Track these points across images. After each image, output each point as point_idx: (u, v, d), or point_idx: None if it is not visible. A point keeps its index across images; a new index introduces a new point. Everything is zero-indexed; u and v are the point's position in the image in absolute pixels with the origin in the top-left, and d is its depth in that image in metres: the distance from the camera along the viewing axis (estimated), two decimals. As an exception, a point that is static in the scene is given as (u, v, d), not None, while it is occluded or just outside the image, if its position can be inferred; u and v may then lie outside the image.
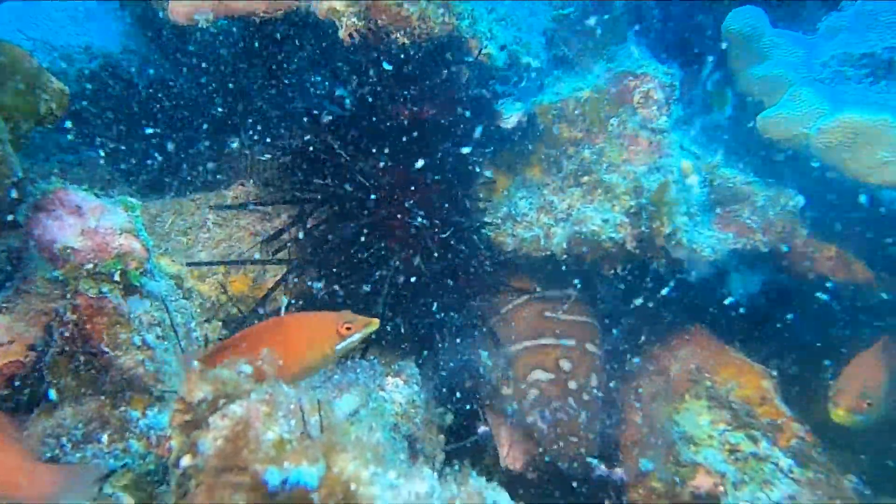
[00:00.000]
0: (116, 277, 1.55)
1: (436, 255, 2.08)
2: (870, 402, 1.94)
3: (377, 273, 2.04)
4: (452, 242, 2.12)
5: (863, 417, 1.95)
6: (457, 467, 1.96)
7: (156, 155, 2.42)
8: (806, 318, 2.44)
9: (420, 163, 2.07)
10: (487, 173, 2.44)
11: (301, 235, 2.16)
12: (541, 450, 2.26)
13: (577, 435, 2.19)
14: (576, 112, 2.49)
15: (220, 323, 2.09)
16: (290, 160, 2.16)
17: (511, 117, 2.35)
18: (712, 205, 2.32)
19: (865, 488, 2.00)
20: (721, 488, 1.98)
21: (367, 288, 2.04)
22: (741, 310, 2.37)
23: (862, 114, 1.94)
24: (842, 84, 2.16)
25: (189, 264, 2.04)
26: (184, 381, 1.07)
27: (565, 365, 2.30)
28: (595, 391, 2.29)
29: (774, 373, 2.24)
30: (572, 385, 2.27)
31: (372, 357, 2.28)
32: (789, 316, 2.42)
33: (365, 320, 1.51)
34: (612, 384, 2.42)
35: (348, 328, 1.49)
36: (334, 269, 2.10)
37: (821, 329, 2.45)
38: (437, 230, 2.08)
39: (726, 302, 2.35)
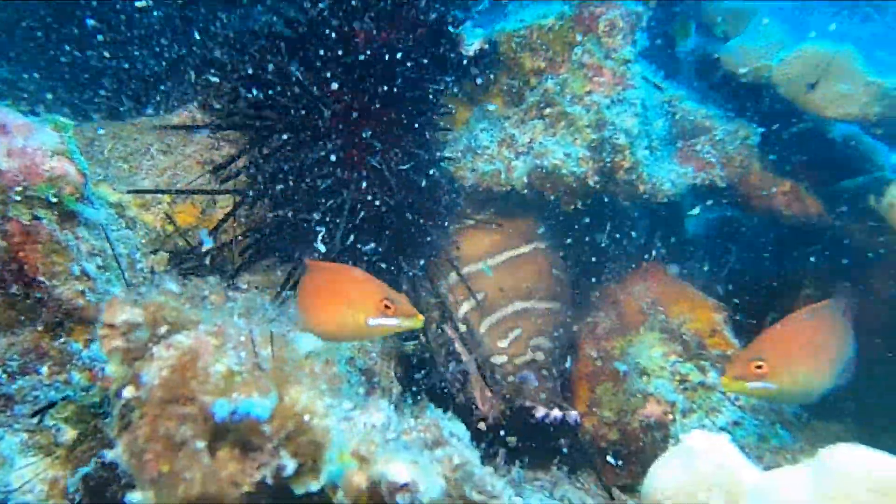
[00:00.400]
0: (51, 201, 1.44)
1: (393, 185, 2.02)
2: (760, 365, 1.64)
3: (331, 204, 1.96)
4: (411, 172, 2.06)
5: (760, 385, 1.64)
6: (410, 400, 1.96)
7: (95, 75, 2.25)
8: (758, 252, 2.49)
9: (376, 88, 1.98)
10: (448, 104, 2.35)
11: (252, 164, 2.05)
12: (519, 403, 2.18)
13: (555, 394, 2.19)
14: (539, 41, 2.41)
15: (167, 255, 2.00)
16: (241, 84, 2.04)
17: (473, 44, 2.25)
18: (673, 138, 2.31)
19: (803, 411, 2.09)
20: (670, 416, 2.05)
21: (320, 218, 1.97)
22: (697, 244, 2.40)
23: (824, 45, 1.93)
24: (807, 14, 2.14)
25: (131, 191, 1.93)
26: (106, 303, 1.00)
27: (560, 336, 2.28)
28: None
29: (726, 306, 2.29)
30: (556, 357, 2.25)
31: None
32: (742, 251, 2.46)
33: (408, 309, 1.38)
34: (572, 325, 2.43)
35: (388, 306, 1.38)
36: (287, 200, 2.01)
37: (772, 263, 2.52)
38: (394, 159, 2.00)
39: (683, 236, 2.37)
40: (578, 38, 2.31)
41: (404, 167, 2.07)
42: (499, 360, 2.24)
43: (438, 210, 2.26)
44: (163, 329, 1.03)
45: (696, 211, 2.36)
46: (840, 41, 1.95)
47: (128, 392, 1.00)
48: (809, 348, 1.72)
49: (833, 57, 1.93)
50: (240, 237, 2.16)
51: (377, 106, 2.05)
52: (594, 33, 2.33)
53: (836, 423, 2.57)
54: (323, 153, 1.96)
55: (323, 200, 2.01)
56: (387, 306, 1.37)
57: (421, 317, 1.40)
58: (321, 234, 1.90)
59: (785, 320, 1.80)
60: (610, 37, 2.26)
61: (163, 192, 2.04)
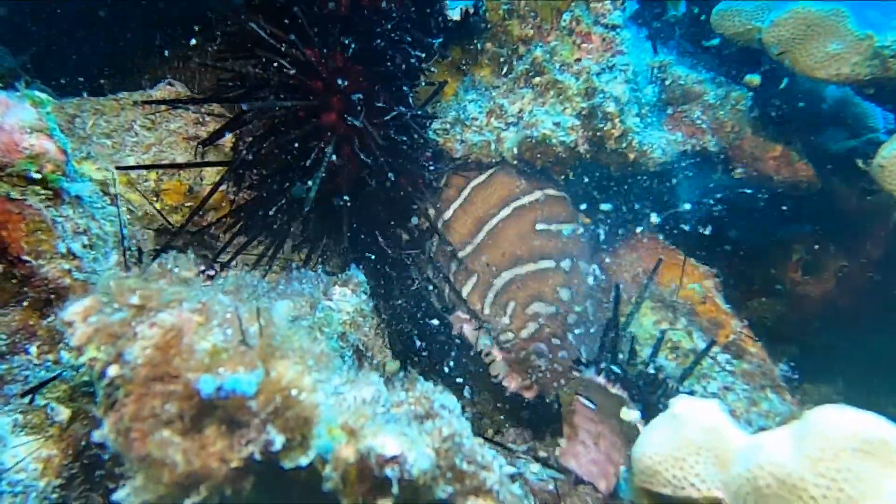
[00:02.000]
0: (33, 178, 1.42)
1: (376, 149, 1.98)
2: None
3: (311, 163, 1.92)
4: (394, 135, 2.02)
5: None
6: (402, 373, 1.96)
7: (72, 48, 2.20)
8: (750, 218, 2.49)
9: (357, 48, 1.92)
10: (432, 69, 2.30)
11: (238, 137, 2.02)
12: (531, 381, 2.13)
13: (568, 373, 2.08)
14: (527, 7, 2.36)
15: (153, 233, 1.99)
16: (221, 47, 1.98)
17: (457, 8, 2.21)
18: (664, 104, 2.28)
19: (794, 373, 2.11)
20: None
21: (305, 184, 1.92)
22: (688, 213, 2.39)
23: (815, 4, 1.89)
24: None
25: (118, 168, 1.90)
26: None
27: (564, 294, 2.12)
28: (592, 319, 2.14)
29: (717, 273, 2.29)
30: (571, 319, 2.11)
31: (318, 268, 2.23)
32: (733, 216, 2.45)
33: None
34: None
35: None
36: (273, 169, 1.98)
37: (764, 229, 2.51)
38: (378, 122, 1.96)
39: (674, 205, 2.36)
40: (567, 3, 2.27)
41: (387, 129, 2.03)
42: (505, 337, 2.17)
43: (422, 175, 2.23)
44: (135, 300, 1.02)
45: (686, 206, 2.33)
46: (831, 0, 1.92)
47: (112, 371, 1.00)
48: None
49: (824, 16, 1.89)
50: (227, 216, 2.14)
51: (358, 67, 2.01)
52: (583, -2, 2.29)
53: (826, 385, 2.61)
54: (303, 114, 1.92)
55: (304, 162, 1.98)
56: None
57: None
58: (308, 188, 1.84)
59: None
60: (599, 2, 2.22)
61: (150, 167, 2.01)
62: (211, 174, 2.16)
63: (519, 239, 2.19)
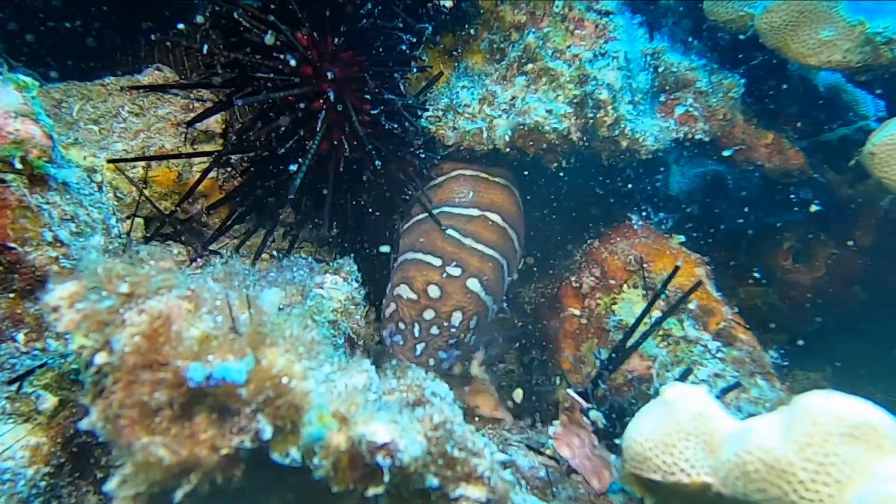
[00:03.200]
0: (17, 165, 1.40)
1: (364, 136, 1.97)
2: None
3: (296, 147, 1.90)
4: (383, 122, 2.00)
5: None
6: (395, 361, 1.96)
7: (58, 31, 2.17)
8: (741, 206, 2.49)
9: (346, 32, 1.90)
10: (424, 56, 2.28)
11: (228, 121, 2.00)
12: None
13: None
14: (520, -7, 2.34)
15: (142, 220, 1.97)
16: (207, 32, 1.96)
17: (449, -6, 2.18)
18: (656, 91, 2.27)
19: (784, 360, 2.12)
20: (653, 371, 2.07)
21: (292, 168, 1.91)
22: (680, 199, 2.39)
23: (808, -11, 1.89)
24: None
25: (111, 161, 1.87)
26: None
27: (433, 291, 2.12)
28: (453, 330, 2.12)
29: (708, 261, 2.29)
30: (427, 315, 2.11)
31: (308, 256, 2.22)
32: (724, 205, 2.45)
33: None
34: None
35: None
36: (262, 155, 1.96)
37: (755, 216, 2.52)
38: (366, 108, 1.95)
39: (666, 192, 2.36)
40: (560, -11, 2.25)
41: (374, 113, 2.01)
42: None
43: (412, 163, 2.22)
44: (124, 288, 1.01)
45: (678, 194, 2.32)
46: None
47: (100, 358, 0.98)
48: None
49: (816, 2, 1.89)
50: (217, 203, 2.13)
51: (349, 52, 1.99)
52: (576, -17, 2.27)
53: (816, 372, 2.63)
54: (292, 97, 1.90)
55: (293, 146, 1.96)
56: None
57: None
58: (296, 173, 1.83)
59: None
60: (591, -13, 2.21)
61: (142, 159, 1.99)
62: (199, 162, 2.14)
63: (426, 233, 2.23)
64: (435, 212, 2.23)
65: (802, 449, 1.05)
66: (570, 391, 1.78)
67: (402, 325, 2.12)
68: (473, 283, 2.14)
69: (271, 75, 1.87)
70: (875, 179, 1.86)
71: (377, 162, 1.96)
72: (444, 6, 2.18)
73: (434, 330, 2.11)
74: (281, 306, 1.17)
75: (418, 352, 2.11)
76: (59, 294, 0.97)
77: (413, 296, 2.12)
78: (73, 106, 1.95)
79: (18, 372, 1.39)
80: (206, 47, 1.84)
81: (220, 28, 1.93)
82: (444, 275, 2.13)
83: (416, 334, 2.10)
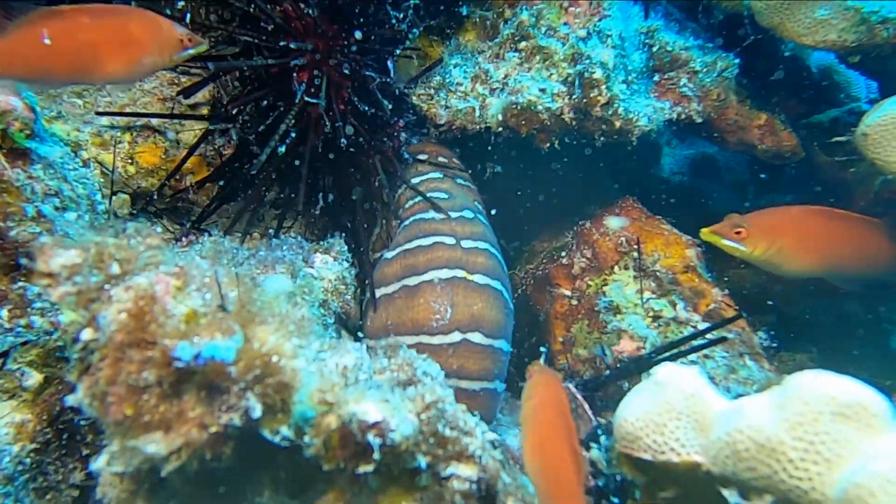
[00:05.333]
0: (-2, 137, 1.37)
1: (349, 113, 1.94)
2: (739, 231, 1.96)
3: (287, 131, 1.88)
4: (356, 102, 1.98)
5: (733, 244, 1.99)
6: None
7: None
8: (731, 186, 2.49)
9: (334, 8, 1.87)
10: (414, 31, 2.24)
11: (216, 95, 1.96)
12: None
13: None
14: (514, -31, 2.30)
15: (128, 196, 1.93)
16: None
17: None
18: (650, 71, 2.25)
19: (773, 342, 2.14)
20: (643, 352, 2.07)
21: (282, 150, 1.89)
22: (672, 180, 2.38)
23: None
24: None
25: (100, 113, 1.84)
26: (36, 251, 0.95)
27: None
28: None
29: (699, 242, 2.29)
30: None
31: (297, 234, 2.20)
32: (715, 186, 2.45)
33: (198, 39, 1.50)
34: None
35: (191, 39, 1.48)
36: (247, 129, 1.94)
37: (746, 198, 2.52)
38: (345, 84, 1.91)
39: (658, 173, 2.35)
40: (554, -35, 2.21)
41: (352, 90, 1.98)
42: None
43: (392, 146, 2.20)
44: (114, 267, 0.99)
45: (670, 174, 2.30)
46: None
47: (86, 335, 0.97)
48: (798, 231, 2.00)
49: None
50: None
51: (333, 26, 1.95)
52: (570, -41, 2.23)
53: (802, 353, 2.65)
54: (277, 71, 1.87)
55: (272, 121, 1.94)
56: (189, 40, 1.49)
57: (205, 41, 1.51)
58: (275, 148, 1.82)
59: (788, 207, 2.09)
60: (586, -37, 2.17)
61: (130, 115, 1.94)
62: (188, 137, 2.11)
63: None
64: (409, 341, 2.02)
65: (793, 428, 1.06)
66: (568, 385, 1.77)
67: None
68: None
69: (254, 41, 1.84)
70: (868, 160, 1.87)
71: (343, 140, 1.93)
72: None
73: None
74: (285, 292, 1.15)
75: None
76: (62, 262, 0.95)
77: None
78: (56, 79, 1.91)
79: (2, 349, 1.37)
80: (188, 16, 1.80)
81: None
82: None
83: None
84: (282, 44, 1.84)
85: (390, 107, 2.09)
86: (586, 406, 1.71)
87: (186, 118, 2.04)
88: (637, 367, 1.88)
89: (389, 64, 2.11)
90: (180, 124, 2.09)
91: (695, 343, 1.90)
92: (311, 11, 1.84)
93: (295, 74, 1.87)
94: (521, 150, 2.40)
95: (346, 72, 1.94)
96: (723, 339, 1.94)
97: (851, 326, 2.64)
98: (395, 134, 2.21)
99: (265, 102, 1.93)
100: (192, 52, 1.48)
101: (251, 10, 1.82)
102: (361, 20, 1.96)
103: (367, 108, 2.01)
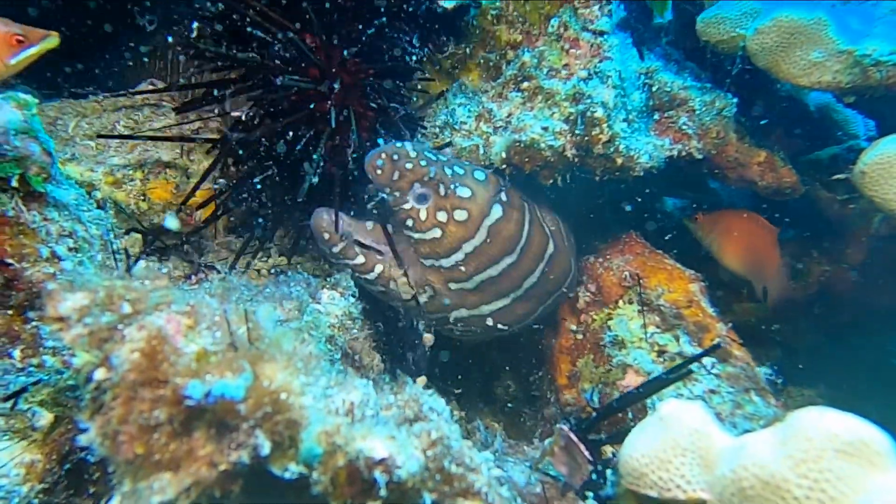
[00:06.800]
0: (14, 183, 1.41)
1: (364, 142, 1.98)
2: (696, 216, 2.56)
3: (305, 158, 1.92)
4: (381, 131, 2.02)
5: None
6: (387, 378, 1.95)
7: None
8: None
9: (348, 37, 1.93)
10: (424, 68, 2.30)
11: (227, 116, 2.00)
12: None
13: None
14: (515, 13, 2.38)
15: (140, 237, 1.97)
16: (205, 34, 1.97)
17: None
18: (650, 110, 2.30)
19: (778, 377, 2.13)
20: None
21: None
22: (675, 215, 2.41)
23: (797, 12, 1.92)
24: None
25: (101, 136, 1.88)
26: (45, 297, 0.98)
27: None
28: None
29: (702, 277, 2.31)
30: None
31: (304, 271, 2.22)
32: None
33: (41, 32, 1.40)
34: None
35: (21, 41, 1.39)
36: (259, 158, 1.97)
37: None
38: (369, 115, 1.96)
39: (662, 209, 2.38)
40: (555, 9, 2.28)
41: (376, 121, 2.03)
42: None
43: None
44: (126, 307, 1.01)
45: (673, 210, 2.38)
46: (814, 8, 1.94)
47: (99, 374, 0.99)
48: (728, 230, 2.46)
49: (806, 25, 1.92)
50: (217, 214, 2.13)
51: (356, 60, 2.00)
52: (570, 4, 2.30)
53: (809, 388, 2.64)
54: (297, 99, 1.92)
55: (297, 149, 1.97)
56: (18, 40, 1.40)
57: (55, 33, 1.41)
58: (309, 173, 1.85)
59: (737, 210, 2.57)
60: (586, 8, 2.24)
61: (135, 137, 1.98)
62: (197, 172, 2.14)
63: None
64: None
65: (797, 465, 1.06)
66: (562, 427, 1.77)
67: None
68: None
69: (277, 67, 1.88)
70: (866, 198, 1.89)
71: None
72: (443, 7, 2.19)
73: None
74: (277, 320, 1.17)
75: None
76: (72, 305, 0.97)
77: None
78: (68, 123, 1.97)
79: (14, 388, 1.38)
80: (203, 43, 1.85)
81: (224, 28, 1.93)
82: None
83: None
84: (311, 84, 1.89)
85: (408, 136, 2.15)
86: (582, 448, 1.71)
87: (204, 140, 2.07)
88: (625, 404, 1.88)
89: (405, 97, 2.16)
90: (189, 160, 2.13)
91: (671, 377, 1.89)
92: (345, 50, 1.90)
93: (325, 103, 1.92)
94: (525, 187, 2.44)
95: (374, 105, 1.99)
96: (689, 373, 1.98)
97: (858, 360, 2.63)
98: None
99: (291, 133, 1.96)
100: (36, 49, 1.35)
101: (282, 41, 1.87)
102: (383, 54, 2.01)
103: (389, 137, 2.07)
